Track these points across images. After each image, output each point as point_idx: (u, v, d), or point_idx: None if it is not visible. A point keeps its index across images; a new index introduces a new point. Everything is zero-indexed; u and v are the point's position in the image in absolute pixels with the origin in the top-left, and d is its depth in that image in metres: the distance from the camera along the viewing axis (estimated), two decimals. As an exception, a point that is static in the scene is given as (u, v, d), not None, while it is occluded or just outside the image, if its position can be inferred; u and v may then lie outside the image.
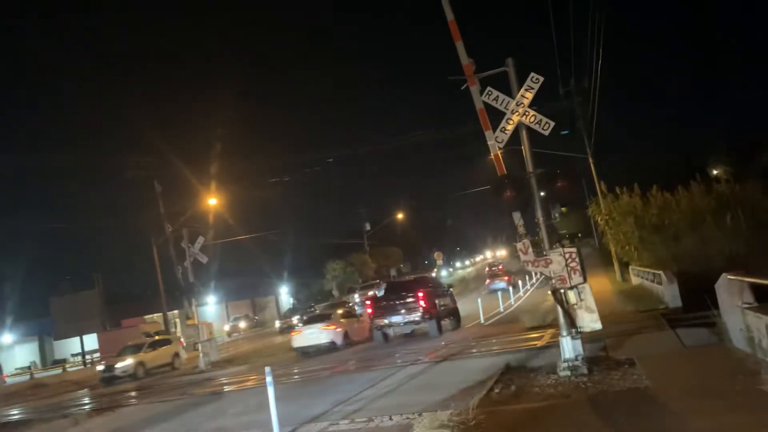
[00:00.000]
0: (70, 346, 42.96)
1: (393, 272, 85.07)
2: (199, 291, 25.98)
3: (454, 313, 22.35)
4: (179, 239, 25.20)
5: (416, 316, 19.54)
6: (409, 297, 19.79)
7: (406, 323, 19.89)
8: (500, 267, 52.06)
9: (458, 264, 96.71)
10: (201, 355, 23.51)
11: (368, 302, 21.44)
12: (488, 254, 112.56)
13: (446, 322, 21.28)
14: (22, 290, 44.27)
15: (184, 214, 26.82)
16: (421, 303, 19.51)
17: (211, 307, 47.56)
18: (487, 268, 57.50)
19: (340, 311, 23.22)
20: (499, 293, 30.54)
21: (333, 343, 21.01)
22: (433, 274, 39.45)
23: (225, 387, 16.40)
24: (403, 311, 19.70)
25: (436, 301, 20.46)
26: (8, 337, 43.29)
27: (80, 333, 38.18)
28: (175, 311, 44.17)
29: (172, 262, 25.92)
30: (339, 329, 21.32)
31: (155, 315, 44.72)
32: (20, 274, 44.95)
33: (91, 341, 39.16)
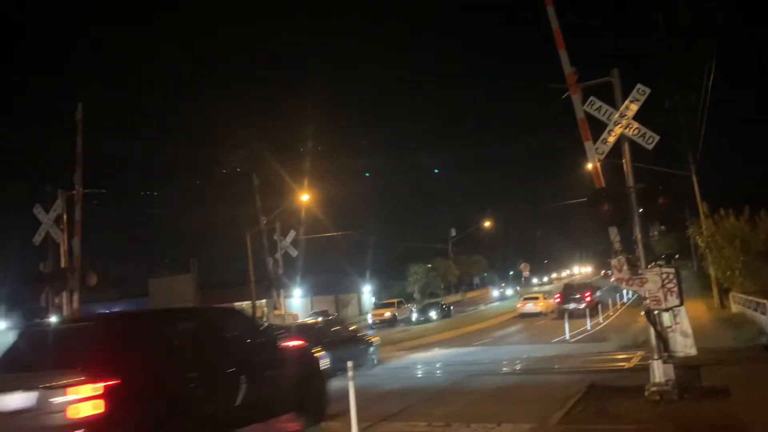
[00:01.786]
0: (165, 326, 45.55)
1: (476, 280, 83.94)
2: (287, 283, 26.73)
3: (598, 306, 32.96)
4: (272, 232, 26.10)
5: (582, 305, 31.33)
6: (579, 293, 33.53)
7: (575, 308, 30.76)
8: (604, 273, 73.53)
9: (535, 280, 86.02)
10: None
11: (557, 294, 35.56)
12: (576, 269, 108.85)
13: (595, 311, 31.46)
14: (125, 269, 47.20)
15: (276, 208, 27.76)
16: (587, 298, 32.82)
17: (296, 299, 48.81)
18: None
19: (542, 295, 37.99)
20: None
21: (540, 313, 34.97)
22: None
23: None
24: (575, 301, 32.29)
25: (593, 297, 33.80)
26: (111, 313, 46.41)
27: (174, 314, 40.32)
28: (263, 300, 45.71)
29: (263, 253, 26.84)
30: (543, 304, 35.83)
31: (244, 303, 46.49)
32: (124, 254, 47.86)
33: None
